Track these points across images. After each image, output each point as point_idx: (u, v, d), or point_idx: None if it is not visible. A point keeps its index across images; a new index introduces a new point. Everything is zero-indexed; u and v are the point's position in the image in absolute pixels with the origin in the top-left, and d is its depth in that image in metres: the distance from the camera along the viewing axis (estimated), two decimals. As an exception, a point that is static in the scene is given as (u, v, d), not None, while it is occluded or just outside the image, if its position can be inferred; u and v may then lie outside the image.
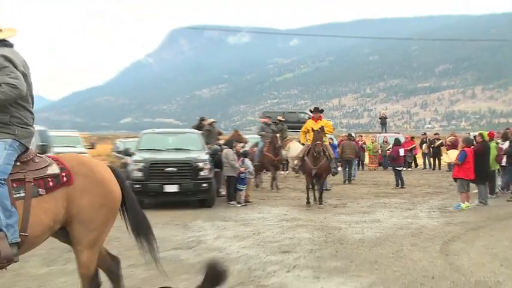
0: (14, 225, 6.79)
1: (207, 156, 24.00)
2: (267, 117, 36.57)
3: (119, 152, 38.01)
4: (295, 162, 26.44)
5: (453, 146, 33.52)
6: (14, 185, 6.96)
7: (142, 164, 23.36)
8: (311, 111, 25.54)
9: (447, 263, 13.13)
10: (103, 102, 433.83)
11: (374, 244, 15.45)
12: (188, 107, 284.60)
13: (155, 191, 23.15)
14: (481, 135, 24.34)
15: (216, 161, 24.46)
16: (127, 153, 28.61)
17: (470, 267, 12.65)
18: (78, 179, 7.44)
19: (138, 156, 24.13)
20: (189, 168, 23.23)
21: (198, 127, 29.41)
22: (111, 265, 8.03)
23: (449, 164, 31.61)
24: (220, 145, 26.11)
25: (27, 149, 7.37)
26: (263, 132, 30.11)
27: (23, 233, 6.91)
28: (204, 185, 23.26)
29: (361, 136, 51.11)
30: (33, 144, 21.21)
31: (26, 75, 7.19)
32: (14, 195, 6.89)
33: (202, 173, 23.19)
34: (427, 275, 11.88)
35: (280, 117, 31.63)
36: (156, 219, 19.95)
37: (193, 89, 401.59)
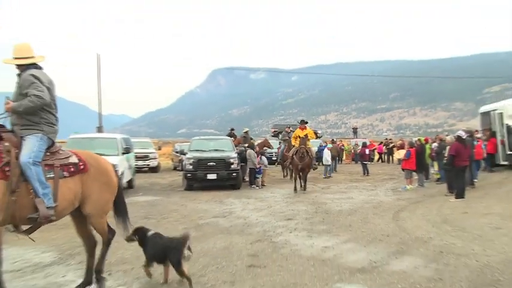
0: (49, 194, 6.79)
1: (235, 155, 24.01)
2: (275, 129, 36.40)
3: (177, 152, 37.96)
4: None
5: (401, 147, 33.62)
6: (46, 168, 6.95)
7: (192, 160, 23.47)
8: (299, 123, 24.91)
9: (397, 225, 13.15)
10: (167, 118, 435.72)
11: (348, 213, 15.44)
12: (223, 122, 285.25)
13: (201, 178, 23.21)
14: (419, 140, 25.48)
15: (242, 158, 24.48)
16: (182, 152, 28.95)
17: (412, 228, 12.71)
18: (91, 168, 7.44)
19: (189, 155, 24.18)
20: (223, 163, 23.28)
21: (230, 135, 29.44)
22: (90, 241, 7.90)
23: (398, 159, 31.46)
24: (245, 147, 26.11)
25: (53, 143, 7.35)
26: (286, 138, 29.84)
27: (55, 203, 6.92)
28: (234, 174, 23.37)
29: (341, 141, 50.93)
30: (120, 147, 21.53)
31: (49, 89, 7.18)
32: (46, 176, 6.88)
33: (232, 166, 23.27)
34: (384, 234, 11.97)
35: (287, 129, 31.25)
36: (201, 197, 20.03)
37: (226, 109, 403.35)
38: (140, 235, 8.39)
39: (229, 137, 28.41)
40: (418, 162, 22.95)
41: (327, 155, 30.78)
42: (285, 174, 29.90)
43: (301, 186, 22.82)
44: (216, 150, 24.78)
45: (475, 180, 21.83)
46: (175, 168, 37.15)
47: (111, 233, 7.86)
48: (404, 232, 12.21)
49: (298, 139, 23.14)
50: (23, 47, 7.28)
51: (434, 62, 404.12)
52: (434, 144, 24.24)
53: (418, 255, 9.76)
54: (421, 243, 10.88)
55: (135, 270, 8.93)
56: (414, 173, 23.23)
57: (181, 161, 29.29)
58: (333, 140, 42.56)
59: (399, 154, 27.12)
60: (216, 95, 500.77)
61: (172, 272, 7.76)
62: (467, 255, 9.60)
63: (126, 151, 23.52)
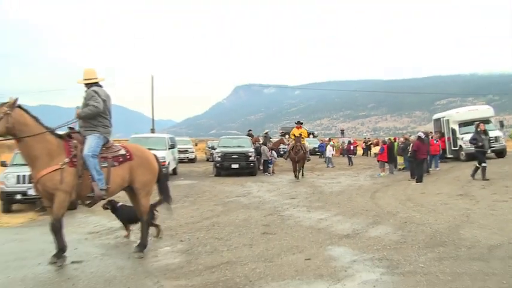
0: (102, 179, 7.05)
1: (253, 150, 23.90)
2: (282, 130, 36.19)
3: (209, 148, 38.00)
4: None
5: (376, 144, 33.68)
6: (101, 159, 7.19)
7: (220, 153, 23.47)
8: (295, 123, 23.73)
9: (373, 203, 13.05)
10: (201, 122, 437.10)
11: (337, 194, 15.36)
12: (243, 125, 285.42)
13: (227, 167, 23.16)
14: (390, 139, 25.71)
15: (258, 152, 24.47)
16: (213, 148, 28.95)
17: (384, 204, 12.60)
18: (136, 158, 7.55)
19: (218, 150, 24.18)
20: (243, 156, 23.24)
21: (248, 135, 29.43)
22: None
23: (374, 153, 31.41)
24: (260, 144, 26.07)
25: (108, 140, 7.50)
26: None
27: (107, 185, 7.14)
28: (251, 164, 23.28)
29: (332, 139, 50.75)
30: (167, 144, 21.59)
31: (105, 101, 7.40)
32: (101, 165, 7.14)
33: (250, 158, 23.22)
34: (364, 209, 11.88)
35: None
36: (227, 181, 20.05)
37: (245, 115, 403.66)
38: (112, 206, 8.98)
39: (248, 136, 28.39)
40: (389, 155, 23.01)
41: (328, 150, 30.41)
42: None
43: (302, 174, 22.16)
44: (238, 146, 24.73)
45: (437, 168, 21.99)
46: (207, 160, 37.19)
47: (151, 216, 8.01)
48: (379, 208, 12.15)
49: (294, 137, 22.27)
50: (89, 71, 7.61)
51: (400, 81, 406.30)
52: (401, 140, 24.18)
53: (389, 224, 9.75)
54: (390, 215, 10.85)
55: (178, 235, 9.02)
56: (386, 164, 23.18)
57: (212, 154, 29.35)
58: (329, 139, 42.85)
59: (375, 149, 27.28)
60: (238, 105, 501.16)
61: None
62: (423, 224, 9.59)
63: (172, 147, 23.89)
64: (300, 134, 22.17)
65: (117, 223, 10.31)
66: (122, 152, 7.47)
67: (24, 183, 12.71)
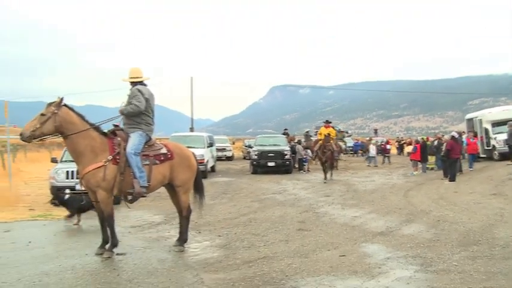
0: (143, 177, 7.06)
1: (288, 148, 23.85)
2: (316, 129, 35.70)
3: (246, 146, 38.14)
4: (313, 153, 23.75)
5: (409, 143, 33.22)
6: (143, 157, 7.18)
7: (257, 151, 23.53)
8: (323, 122, 22.49)
9: (406, 201, 12.93)
10: (239, 121, 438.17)
11: (371, 192, 15.23)
12: (279, 124, 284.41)
13: (263, 165, 23.15)
14: (422, 138, 25.50)
15: (293, 150, 24.40)
16: (250, 146, 29.11)
17: (418, 203, 12.46)
18: (176, 157, 7.53)
19: (255, 148, 24.26)
20: (279, 154, 23.21)
21: (284, 133, 29.38)
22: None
23: (407, 152, 30.92)
24: (295, 143, 26.01)
25: (150, 138, 7.50)
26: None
27: (148, 183, 7.16)
28: (287, 162, 23.23)
29: (371, 138, 49.99)
30: (206, 142, 21.69)
31: (148, 100, 7.37)
32: (143, 163, 7.14)
33: (286, 157, 23.17)
34: (397, 207, 11.78)
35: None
36: (263, 179, 20.09)
37: (281, 115, 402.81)
38: (59, 200, 9.47)
39: (283, 135, 28.34)
40: (421, 154, 22.73)
41: (372, 149, 29.39)
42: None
43: (331, 175, 20.34)
44: (274, 144, 24.71)
45: (471, 168, 21.43)
46: (244, 158, 37.27)
47: (190, 209, 7.89)
48: (412, 206, 12.01)
49: (322, 135, 20.71)
50: (135, 70, 7.62)
51: (432, 82, 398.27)
52: (436, 142, 23.81)
53: (422, 223, 9.62)
54: (424, 214, 10.71)
55: (217, 231, 9.07)
56: (419, 163, 22.92)
57: (248, 152, 29.45)
58: (370, 138, 41.36)
59: (408, 149, 26.92)
60: (273, 105, 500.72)
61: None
62: (457, 222, 9.43)
63: (210, 145, 23.95)
64: (328, 134, 20.80)
65: (158, 218, 10.48)
66: (164, 150, 7.47)
67: (72, 178, 12.96)
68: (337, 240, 8.13)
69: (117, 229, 7.71)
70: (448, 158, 18.27)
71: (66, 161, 14.12)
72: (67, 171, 13.05)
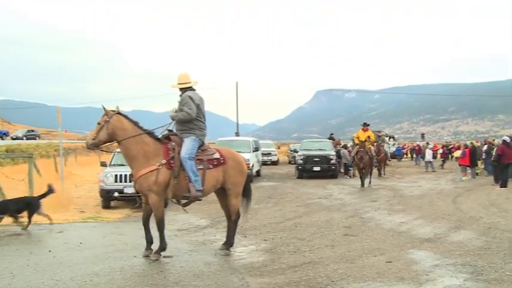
0: (198, 181, 7.13)
1: (334, 153, 23.73)
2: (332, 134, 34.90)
3: (291, 151, 38.18)
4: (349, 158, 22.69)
5: (458, 148, 32.38)
6: (197, 161, 7.25)
7: (302, 156, 23.52)
8: (361, 125, 20.54)
9: (455, 207, 12.64)
10: (284, 126, 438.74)
11: (418, 197, 14.98)
12: (324, 129, 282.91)
13: (309, 170, 23.11)
14: (472, 143, 24.46)
15: (338, 155, 24.23)
16: (295, 151, 29.13)
17: (467, 209, 12.19)
18: (229, 161, 7.56)
19: (301, 153, 24.26)
20: (325, 159, 23.10)
21: (329, 138, 29.18)
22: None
23: (456, 157, 30.17)
24: (340, 147, 25.83)
25: (203, 143, 7.55)
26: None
27: (202, 187, 7.22)
28: (332, 167, 23.11)
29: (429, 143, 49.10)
30: (251, 146, 21.71)
31: (199, 105, 7.42)
32: (197, 167, 7.20)
33: (331, 161, 23.05)
34: (445, 213, 11.52)
35: (379, 133, 29.01)
36: (309, 183, 20.05)
37: (326, 120, 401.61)
38: None
39: (329, 140, 28.15)
40: (471, 159, 22.25)
41: (428, 154, 28.64)
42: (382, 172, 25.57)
43: (369, 182, 19.28)
44: (320, 149, 24.58)
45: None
46: (289, 162, 37.24)
47: (239, 214, 7.87)
48: (461, 212, 11.74)
49: (358, 141, 19.70)
50: (184, 75, 7.65)
51: (482, 84, 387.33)
52: (485, 146, 23.24)
53: (472, 230, 9.37)
54: (473, 221, 10.44)
55: (262, 235, 9.07)
56: (468, 168, 22.41)
57: (294, 157, 29.44)
58: (427, 142, 40.24)
59: (457, 153, 26.34)
60: (318, 109, 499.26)
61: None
62: (509, 230, 9.16)
63: (256, 149, 24.07)
64: (369, 137, 19.80)
65: (204, 221, 10.57)
66: (217, 155, 7.53)
67: (121, 182, 13.24)
68: (384, 246, 8.00)
69: (164, 232, 7.81)
70: (499, 163, 17.81)
71: (114, 164, 14.46)
72: (116, 175, 13.31)
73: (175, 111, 7.52)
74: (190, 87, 7.65)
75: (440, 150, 35.22)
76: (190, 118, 7.31)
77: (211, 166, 7.40)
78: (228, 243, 7.67)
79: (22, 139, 51.21)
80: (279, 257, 7.29)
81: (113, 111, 7.23)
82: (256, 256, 7.38)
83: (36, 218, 10.22)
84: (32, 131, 61.67)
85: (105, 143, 7.27)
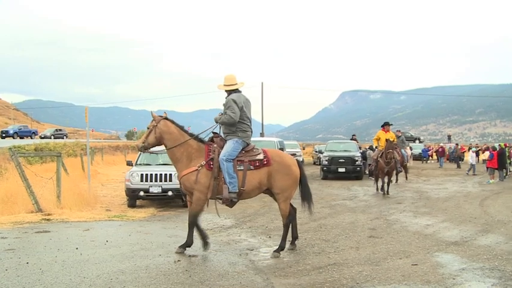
0: (234, 183, 7.26)
1: (359, 154, 23.68)
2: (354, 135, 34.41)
3: (316, 151, 38.13)
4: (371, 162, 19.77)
5: (486, 150, 31.83)
6: (238, 162, 7.39)
7: (327, 157, 23.51)
8: (381, 126, 18.18)
9: (482, 210, 12.46)
10: (308, 127, 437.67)
11: (444, 200, 14.80)
12: (349, 130, 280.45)
13: (334, 171, 23.08)
14: (500, 145, 23.95)
15: (364, 156, 24.10)
16: (320, 152, 29.16)
17: (495, 212, 12.03)
18: (274, 163, 7.54)
19: (326, 154, 24.25)
20: (350, 160, 23.05)
21: (352, 139, 28.96)
22: (291, 210, 7.89)
23: (483, 160, 29.65)
24: (366, 148, 25.69)
25: (248, 144, 7.65)
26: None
27: (242, 188, 7.34)
28: (358, 168, 23.03)
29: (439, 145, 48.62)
30: (277, 147, 21.67)
31: (242, 108, 7.53)
32: (237, 168, 7.36)
33: (356, 163, 22.99)
34: (472, 216, 11.37)
35: (398, 132, 28.33)
36: (334, 184, 19.96)
37: (352, 120, 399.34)
38: None
39: (354, 141, 27.95)
40: (499, 162, 21.97)
41: (471, 157, 27.66)
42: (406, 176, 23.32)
43: (387, 191, 16.55)
44: (345, 150, 24.51)
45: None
46: (314, 163, 37.21)
47: (290, 217, 7.84)
48: (488, 215, 11.57)
49: (381, 140, 17.53)
50: (230, 77, 7.75)
51: (510, 86, 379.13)
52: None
53: (500, 234, 9.23)
54: (502, 224, 10.28)
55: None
56: (496, 171, 22.08)
57: (319, 158, 29.40)
58: (470, 144, 39.14)
59: (484, 156, 25.86)
60: (344, 110, 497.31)
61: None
62: (539, 235, 8.99)
63: (281, 150, 23.85)
64: (393, 140, 17.34)
65: (229, 221, 10.61)
66: (260, 157, 7.56)
67: (146, 181, 13.37)
68: (409, 248, 7.93)
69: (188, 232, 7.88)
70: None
71: (140, 164, 14.62)
72: (141, 174, 13.44)
73: (221, 114, 7.69)
74: (236, 89, 7.76)
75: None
76: (233, 122, 7.44)
77: (252, 167, 7.47)
78: (280, 247, 7.64)
79: (50, 138, 51.99)
80: (304, 258, 7.29)
81: (161, 116, 7.66)
82: (280, 257, 7.38)
83: (63, 215, 10.39)
84: (60, 130, 62.77)
85: (154, 146, 7.71)
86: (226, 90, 7.74)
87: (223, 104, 7.68)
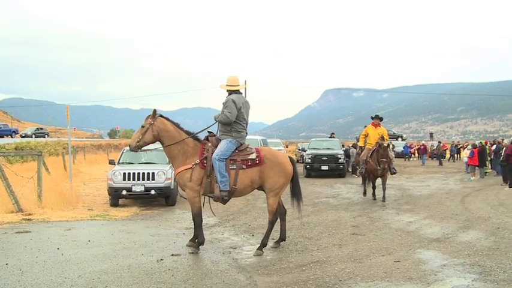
0: (225, 182, 7.36)
1: (342, 152, 23.73)
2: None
3: (299, 149, 38.18)
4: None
5: (465, 147, 32.21)
6: (231, 161, 7.47)
7: (310, 155, 23.50)
8: (372, 118, 15.70)
9: (463, 207, 12.59)
10: (292, 125, 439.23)
11: (427, 197, 14.92)
12: (332, 128, 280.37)
13: (316, 169, 23.11)
14: (480, 142, 23.99)
15: (347, 154, 24.21)
16: (303, 150, 29.03)
17: (475, 209, 12.15)
18: (267, 161, 7.59)
19: (309, 152, 24.23)
20: (333, 158, 23.08)
21: (330, 137, 29.06)
22: (281, 210, 8.05)
23: (464, 157, 29.97)
24: (349, 146, 25.80)
25: (241, 144, 7.70)
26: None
27: (234, 186, 7.44)
28: (340, 166, 23.08)
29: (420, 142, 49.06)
30: (259, 145, 21.62)
31: (240, 109, 7.60)
32: (230, 167, 7.45)
33: (339, 160, 23.03)
34: (453, 213, 11.49)
35: None
36: (316, 182, 20.00)
37: (334, 119, 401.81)
38: None
39: (336, 139, 28.05)
40: (480, 159, 22.21)
41: (465, 156, 26.73)
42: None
43: (383, 197, 14.09)
44: (328, 148, 24.57)
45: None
46: (297, 161, 37.21)
47: (276, 216, 7.91)
48: (469, 212, 11.69)
49: (369, 137, 15.16)
50: (233, 78, 7.88)
51: (490, 84, 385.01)
52: (494, 146, 23.16)
53: (480, 230, 9.33)
54: (482, 221, 10.39)
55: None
56: (477, 168, 22.32)
57: (302, 156, 29.45)
58: (467, 143, 38.96)
59: (465, 153, 26.09)
60: (327, 108, 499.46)
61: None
62: (519, 231, 9.11)
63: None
64: (382, 137, 14.51)
65: (212, 220, 10.56)
66: (253, 156, 7.60)
67: (129, 180, 13.26)
68: (392, 245, 7.98)
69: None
70: (507, 163, 17.73)
71: (123, 162, 14.51)
72: (124, 173, 13.33)
73: (220, 114, 7.77)
74: (238, 90, 7.85)
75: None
76: (229, 121, 7.53)
77: (244, 166, 7.54)
78: (261, 244, 7.65)
79: (31, 137, 51.33)
80: (287, 256, 7.30)
81: (151, 114, 7.71)
82: (264, 255, 7.38)
83: (44, 215, 10.27)
84: (41, 129, 61.97)
85: (149, 144, 7.75)
86: (227, 90, 7.82)
87: (223, 103, 7.74)
